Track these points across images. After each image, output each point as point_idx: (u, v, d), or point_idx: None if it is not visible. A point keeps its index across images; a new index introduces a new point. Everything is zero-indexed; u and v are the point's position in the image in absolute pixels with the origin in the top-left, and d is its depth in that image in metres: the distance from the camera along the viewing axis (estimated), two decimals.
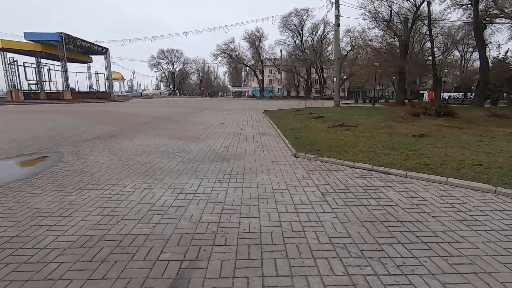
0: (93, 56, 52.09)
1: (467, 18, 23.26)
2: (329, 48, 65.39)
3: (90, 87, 53.64)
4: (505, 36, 25.02)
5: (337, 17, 22.00)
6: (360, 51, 62.63)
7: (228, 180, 4.51)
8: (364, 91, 77.76)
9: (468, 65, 56.23)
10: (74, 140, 8.59)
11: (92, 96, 48.12)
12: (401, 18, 22.20)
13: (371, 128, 9.66)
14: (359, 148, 6.43)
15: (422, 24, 23.23)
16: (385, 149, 6.32)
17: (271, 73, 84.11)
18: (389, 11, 21.94)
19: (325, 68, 69.81)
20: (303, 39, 66.54)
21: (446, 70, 32.46)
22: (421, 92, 72.58)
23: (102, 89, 55.96)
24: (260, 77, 71.37)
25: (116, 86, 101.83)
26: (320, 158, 5.80)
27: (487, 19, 21.81)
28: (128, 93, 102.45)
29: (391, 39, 23.29)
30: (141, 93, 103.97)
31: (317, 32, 65.38)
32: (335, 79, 23.16)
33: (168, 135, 9.51)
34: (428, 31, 22.43)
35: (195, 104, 35.87)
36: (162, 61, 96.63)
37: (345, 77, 64.81)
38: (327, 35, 64.68)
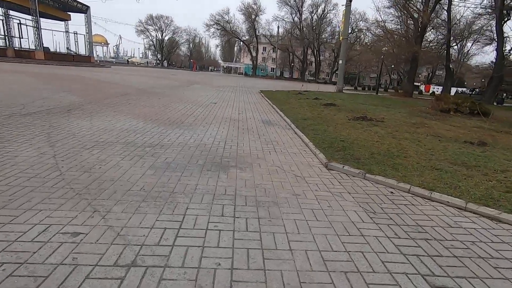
0: (71, 14, 46.80)
1: (485, 7, 21.29)
2: (328, 29, 62.33)
3: (67, 48, 48.70)
4: None
5: None
6: (362, 35, 60.29)
7: (231, 224, 2.44)
8: (359, 78, 75.88)
9: (465, 59, 54.98)
10: (9, 112, 6.17)
11: (69, 58, 43.50)
12: None
13: (403, 125, 7.72)
14: (415, 160, 4.47)
15: (442, 7, 21.01)
16: (453, 164, 4.39)
17: (265, 50, 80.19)
18: None
19: (321, 50, 66.87)
20: (302, 17, 62.81)
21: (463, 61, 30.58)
22: (416, 84, 71.70)
23: (82, 52, 51.16)
24: (254, 54, 67.69)
25: (99, 51, 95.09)
26: (369, 175, 3.79)
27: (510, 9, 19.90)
28: (113, 60, 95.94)
29: (408, 21, 21.03)
30: (127, 61, 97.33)
31: (317, 11, 61.77)
32: (340, 61, 20.94)
33: (144, 114, 7.21)
34: (446, 17, 20.26)
35: (184, 76, 32.84)
36: (150, 27, 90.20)
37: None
38: (328, 15, 61.41)
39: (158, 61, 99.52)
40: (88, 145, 4.30)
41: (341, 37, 21.77)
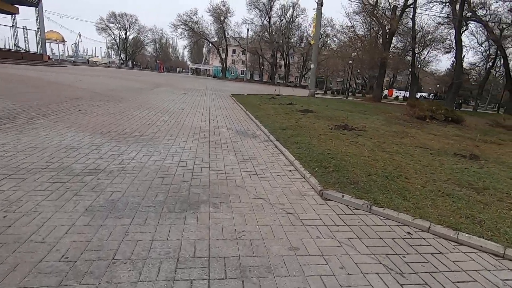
0: (20, 7, 42.35)
1: (447, 15, 22.42)
2: (297, 33, 63.08)
3: (15, 44, 44.04)
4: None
5: None
6: (329, 40, 61.78)
7: None
8: (326, 82, 77.83)
9: (423, 66, 58.56)
10: None
11: (17, 56, 39.15)
12: (390, 5, 20.30)
13: (387, 135, 7.26)
14: (418, 182, 3.85)
15: (407, 15, 21.72)
16: (460, 187, 3.83)
17: (234, 53, 79.34)
18: None
19: (290, 54, 67.53)
20: (272, 20, 62.94)
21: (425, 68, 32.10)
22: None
23: (34, 49, 46.54)
24: (223, 56, 66.50)
25: (55, 49, 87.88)
26: (376, 208, 3.06)
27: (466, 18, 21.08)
28: (71, 59, 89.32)
29: (376, 28, 21.41)
30: (88, 60, 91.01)
31: (286, 15, 62.26)
32: (312, 65, 20.69)
33: (94, 125, 5.97)
34: (412, 25, 20.92)
35: (149, 78, 30.88)
36: (112, 25, 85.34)
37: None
38: (296, 19, 62.16)
39: (121, 61, 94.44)
40: (0, 175, 3.11)
41: (312, 41, 21.57)
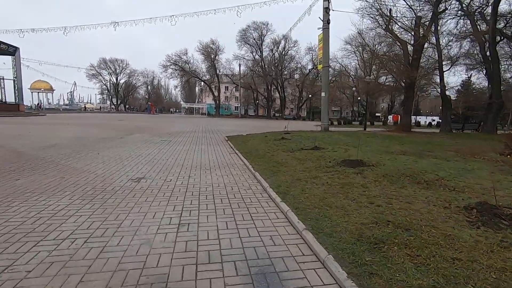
0: None
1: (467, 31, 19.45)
2: (291, 65, 61.35)
3: None
4: None
5: (326, 10, 16.13)
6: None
7: None
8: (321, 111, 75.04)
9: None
10: None
11: None
12: (415, 13, 17.14)
13: None
14: None
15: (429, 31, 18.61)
16: None
17: (227, 90, 77.61)
18: (389, 10, 16.83)
19: (285, 86, 65.44)
20: (263, 54, 61.55)
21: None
22: (376, 114, 72.02)
23: (12, 99, 43.20)
24: (216, 94, 64.11)
25: (46, 98, 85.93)
26: None
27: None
28: (67, 106, 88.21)
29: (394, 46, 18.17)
30: (85, 107, 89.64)
31: (278, 48, 61.05)
32: (323, 94, 17.02)
33: None
34: (435, 40, 17.70)
35: (132, 122, 27.01)
36: (103, 71, 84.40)
37: (310, 96, 61.11)
38: (289, 52, 60.86)
39: (113, 106, 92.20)
40: None
41: (319, 66, 18.10)
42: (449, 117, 19.36)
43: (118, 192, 4.51)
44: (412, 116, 20.16)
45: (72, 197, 4.18)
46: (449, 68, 20.27)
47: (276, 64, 60.92)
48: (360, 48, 56.85)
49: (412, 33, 16.89)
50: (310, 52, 58.33)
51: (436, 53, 18.48)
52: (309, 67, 60.49)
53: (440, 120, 27.33)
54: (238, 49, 73.29)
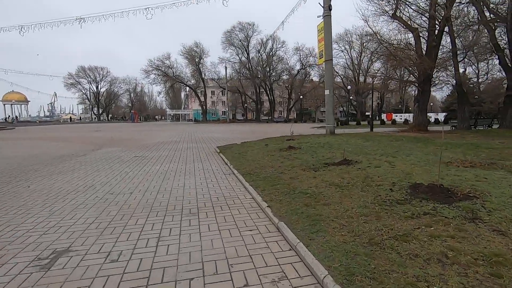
0: None
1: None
2: (280, 66, 59.18)
3: None
4: None
5: None
6: (312, 71, 58.27)
7: None
8: (310, 112, 73.15)
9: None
10: None
11: None
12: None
13: None
14: None
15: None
16: None
17: (213, 94, 74.80)
18: None
19: (274, 88, 63.21)
20: (250, 56, 59.22)
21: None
22: (367, 113, 70.52)
23: None
24: (202, 99, 61.17)
25: (19, 110, 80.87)
26: None
27: None
28: (47, 118, 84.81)
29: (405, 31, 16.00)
30: (70, 118, 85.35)
31: (265, 49, 58.88)
32: (327, 91, 14.69)
33: None
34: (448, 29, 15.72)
35: (108, 133, 23.98)
36: (83, 80, 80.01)
37: (301, 96, 59.12)
38: (276, 52, 58.79)
39: (94, 115, 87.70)
40: None
41: (320, 60, 15.76)
42: (467, 113, 17.41)
43: None
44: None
45: None
46: (463, 58, 18.43)
47: (264, 66, 58.72)
48: (348, 47, 56.07)
49: (427, 15, 14.77)
50: (298, 52, 56.60)
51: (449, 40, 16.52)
52: (297, 67, 58.70)
53: (443, 117, 25.54)
54: (223, 52, 70.51)
